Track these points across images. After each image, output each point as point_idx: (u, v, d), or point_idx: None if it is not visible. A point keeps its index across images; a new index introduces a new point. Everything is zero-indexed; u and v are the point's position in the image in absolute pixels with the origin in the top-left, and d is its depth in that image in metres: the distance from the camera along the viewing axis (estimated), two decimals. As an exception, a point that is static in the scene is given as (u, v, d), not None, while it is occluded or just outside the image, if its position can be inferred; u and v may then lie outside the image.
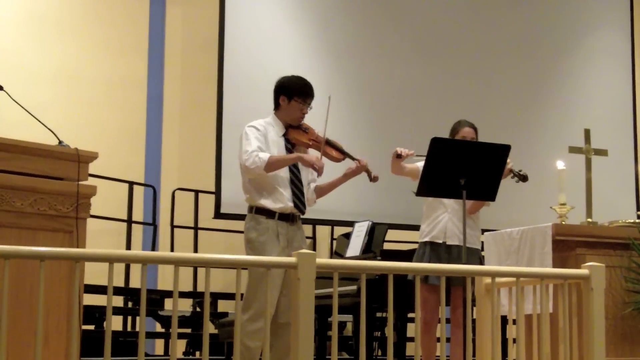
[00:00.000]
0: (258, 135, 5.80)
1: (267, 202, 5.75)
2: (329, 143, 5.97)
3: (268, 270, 3.73)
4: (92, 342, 6.95)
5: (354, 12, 10.22)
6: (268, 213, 5.75)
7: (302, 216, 5.93)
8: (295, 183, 5.84)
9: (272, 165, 5.68)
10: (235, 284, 3.61)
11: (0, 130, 5.01)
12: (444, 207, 6.28)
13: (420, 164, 6.05)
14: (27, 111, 4.56)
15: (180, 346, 9.07)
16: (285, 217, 5.79)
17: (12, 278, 3.29)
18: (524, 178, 6.33)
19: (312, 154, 5.94)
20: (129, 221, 9.66)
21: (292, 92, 5.90)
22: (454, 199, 6.06)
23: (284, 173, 5.82)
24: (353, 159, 5.99)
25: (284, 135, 5.92)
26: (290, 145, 5.91)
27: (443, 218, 6.28)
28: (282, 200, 5.76)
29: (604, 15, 11.72)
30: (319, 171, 5.76)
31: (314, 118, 6.01)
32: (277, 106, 5.98)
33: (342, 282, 6.92)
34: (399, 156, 6.17)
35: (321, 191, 6.12)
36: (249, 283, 5.66)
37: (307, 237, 10.53)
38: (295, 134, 5.92)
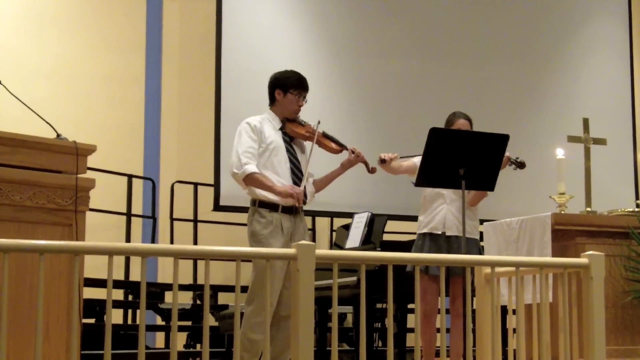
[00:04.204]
0: (252, 133, 5.83)
1: (268, 195, 5.76)
2: (325, 136, 6.04)
3: (268, 261, 3.73)
4: (92, 336, 6.95)
5: (351, 6, 10.20)
6: (271, 206, 5.77)
7: (303, 207, 5.95)
8: (296, 173, 5.88)
9: (251, 180, 5.75)
10: (235, 276, 3.62)
11: (-2, 125, 5.01)
12: (442, 198, 6.27)
13: (417, 160, 6.07)
14: (25, 104, 4.55)
15: (180, 339, 9.07)
16: (288, 210, 5.81)
17: (12, 272, 3.29)
18: (521, 165, 6.31)
19: (308, 146, 5.98)
20: (129, 214, 9.66)
21: (288, 85, 5.97)
22: (453, 189, 6.06)
23: (285, 165, 5.85)
24: (350, 150, 6.04)
25: (281, 129, 5.96)
26: (288, 138, 5.96)
27: (442, 209, 6.27)
28: None
29: (601, 4, 11.69)
30: (299, 198, 5.77)
31: (307, 117, 6.06)
32: (272, 101, 6.05)
33: (342, 274, 6.92)
34: (383, 161, 6.18)
35: (320, 184, 6.15)
36: (254, 276, 5.68)
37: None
38: (292, 126, 5.97)
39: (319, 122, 5.95)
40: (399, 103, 10.17)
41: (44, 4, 9.98)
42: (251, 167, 5.74)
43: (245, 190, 5.88)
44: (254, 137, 5.83)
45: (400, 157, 6.27)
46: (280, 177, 5.81)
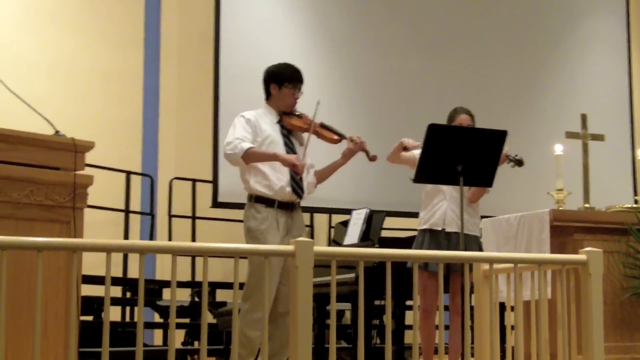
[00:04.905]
0: (246, 125, 5.81)
1: (264, 189, 5.74)
2: (323, 126, 6.00)
3: (267, 258, 3.73)
4: (90, 333, 6.95)
5: (350, 1, 10.21)
6: (267, 202, 5.75)
7: (300, 203, 5.93)
8: None
9: (250, 155, 5.70)
10: (233, 273, 3.61)
11: (-4, 121, 5.00)
12: (442, 194, 6.26)
13: (417, 152, 6.04)
14: (24, 101, 4.54)
15: (178, 336, 9.07)
16: (285, 206, 5.78)
17: (10, 269, 3.29)
18: (519, 162, 6.28)
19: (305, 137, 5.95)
20: (127, 211, 9.66)
21: (283, 79, 5.93)
22: (452, 185, 6.05)
23: None
24: (349, 139, 6.00)
25: (279, 122, 5.93)
26: (286, 132, 5.93)
27: (442, 205, 6.25)
28: (279, 186, 5.75)
29: (599, 1, 11.70)
30: (300, 170, 5.74)
31: (304, 111, 6.03)
32: (268, 95, 6.02)
33: (340, 270, 6.92)
34: (405, 148, 6.16)
35: (321, 175, 6.12)
36: (250, 272, 5.66)
37: (305, 226, 10.56)
38: (290, 119, 5.94)
39: (318, 103, 5.88)
40: (398, 98, 10.18)
41: (43, 1, 9.97)
42: (246, 144, 5.70)
43: (245, 165, 5.78)
44: (248, 129, 5.80)
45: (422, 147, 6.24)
46: (276, 171, 5.78)
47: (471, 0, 10.74)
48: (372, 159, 6.04)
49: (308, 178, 5.97)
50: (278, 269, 5.61)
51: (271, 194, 5.75)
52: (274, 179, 5.76)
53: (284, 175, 5.79)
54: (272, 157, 5.75)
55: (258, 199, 5.78)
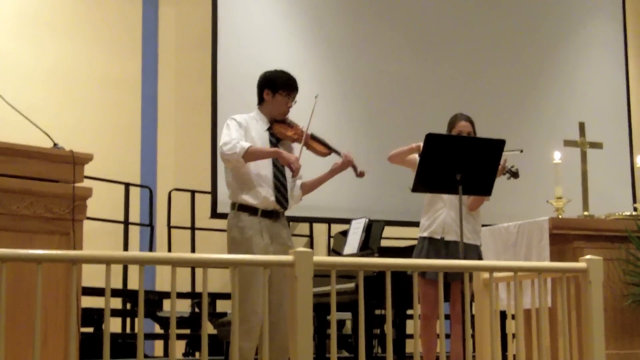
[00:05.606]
0: (239, 127, 5.76)
1: (248, 198, 5.67)
2: (314, 138, 5.92)
3: (265, 269, 3.72)
4: (91, 344, 6.94)
5: (346, 7, 10.22)
6: (251, 210, 5.69)
7: (286, 212, 5.87)
8: (278, 177, 5.77)
9: (250, 154, 5.61)
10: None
11: (-6, 132, 5.01)
12: (442, 202, 6.25)
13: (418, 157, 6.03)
14: (23, 115, 4.54)
15: (179, 347, 9.06)
16: (269, 214, 5.73)
17: (9, 281, 3.28)
18: (515, 175, 6.26)
19: (297, 148, 5.89)
20: (126, 222, 9.64)
21: (277, 86, 5.85)
22: (450, 194, 6.04)
23: (267, 168, 5.75)
24: (339, 153, 5.94)
25: (269, 129, 5.88)
26: (275, 140, 5.86)
27: (442, 213, 6.24)
28: (264, 195, 5.69)
29: (596, 7, 11.72)
30: (295, 172, 5.71)
31: (300, 116, 5.97)
32: (261, 101, 5.93)
33: (340, 280, 6.91)
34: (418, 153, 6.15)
35: (308, 188, 6.05)
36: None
37: (304, 235, 10.57)
38: (280, 128, 5.87)
39: (316, 97, 5.84)
40: (395, 105, 10.18)
41: (40, 8, 9.97)
42: (245, 143, 5.62)
43: (243, 164, 5.66)
44: (240, 131, 5.75)
45: None
46: (262, 181, 5.72)
47: (468, 7, 10.75)
48: (360, 174, 5.93)
49: (295, 190, 5.93)
50: (265, 277, 5.54)
51: (255, 203, 5.69)
52: (258, 188, 5.70)
53: (268, 184, 5.74)
54: (273, 154, 5.70)
55: (241, 207, 5.72)
